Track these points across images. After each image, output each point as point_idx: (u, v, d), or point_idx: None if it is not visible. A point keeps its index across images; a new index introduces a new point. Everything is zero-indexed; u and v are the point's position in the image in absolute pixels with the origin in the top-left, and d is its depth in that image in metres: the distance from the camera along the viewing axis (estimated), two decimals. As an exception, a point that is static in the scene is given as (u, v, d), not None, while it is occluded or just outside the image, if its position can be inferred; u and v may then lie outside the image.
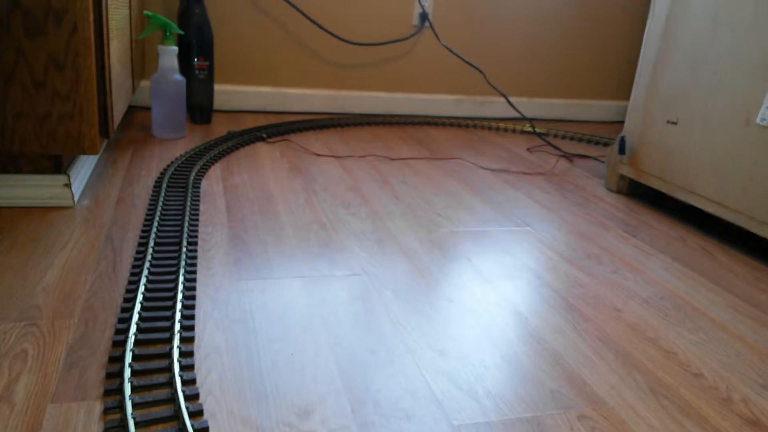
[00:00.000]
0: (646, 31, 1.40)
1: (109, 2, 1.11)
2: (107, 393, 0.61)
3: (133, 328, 0.70)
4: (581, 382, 0.71)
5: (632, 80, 2.43)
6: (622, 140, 1.44)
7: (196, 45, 1.67)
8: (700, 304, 0.95)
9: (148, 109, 1.87)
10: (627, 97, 2.46)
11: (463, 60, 2.13)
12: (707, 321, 0.90)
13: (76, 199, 1.08)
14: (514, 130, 2.09)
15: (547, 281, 0.97)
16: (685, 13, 1.29)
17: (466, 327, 0.81)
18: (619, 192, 1.48)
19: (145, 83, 1.87)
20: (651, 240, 1.20)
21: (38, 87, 1.00)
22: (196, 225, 1.04)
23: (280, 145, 1.62)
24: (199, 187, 1.22)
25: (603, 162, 1.75)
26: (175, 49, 1.49)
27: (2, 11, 0.95)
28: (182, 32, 1.57)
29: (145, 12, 1.46)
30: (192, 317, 0.75)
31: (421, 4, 2.05)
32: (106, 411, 0.59)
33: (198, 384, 0.64)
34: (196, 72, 1.68)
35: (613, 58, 2.39)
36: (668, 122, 1.32)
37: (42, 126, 1.01)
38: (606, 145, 1.99)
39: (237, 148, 1.54)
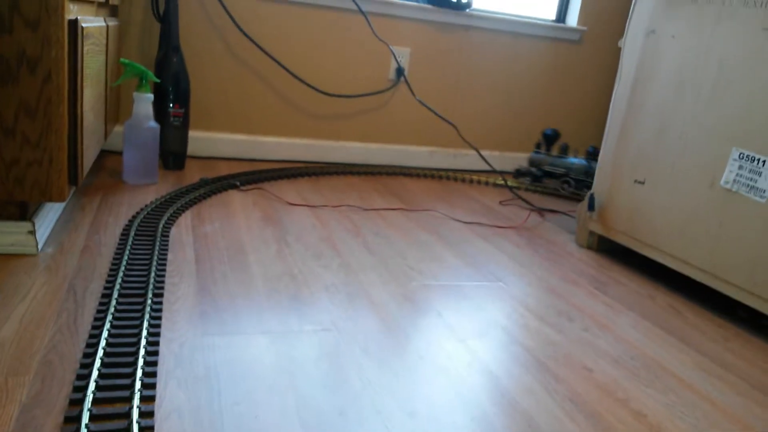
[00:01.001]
0: (613, 93, 1.45)
1: (85, 50, 1.11)
2: (59, 458, 0.58)
3: (91, 386, 0.67)
4: (552, 446, 0.70)
5: (602, 137, 2.51)
6: (592, 197, 1.47)
7: (173, 92, 1.67)
8: (669, 363, 0.95)
9: (120, 153, 1.86)
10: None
11: (436, 114, 2.17)
12: (676, 381, 0.90)
13: (40, 246, 1.05)
14: (487, 183, 2.12)
15: (519, 339, 0.97)
16: (651, 78, 1.34)
17: (436, 386, 0.80)
18: (589, 248, 1.50)
19: (118, 128, 1.86)
20: (620, 297, 1.21)
21: (7, 133, 0.98)
22: (163, 276, 1.02)
23: (253, 193, 1.62)
24: (168, 236, 1.20)
25: (573, 217, 1.77)
26: (151, 96, 1.49)
27: (-25, 57, 0.94)
28: (158, 80, 1.58)
29: (122, 60, 1.46)
30: (154, 375, 0.73)
31: (397, 60, 2.10)
32: (57, 478, 0.56)
33: (157, 448, 0.61)
34: (171, 119, 1.68)
35: (584, 114, 2.47)
36: (636, 182, 1.36)
37: (9, 172, 0.99)
38: (576, 200, 2.02)
39: (209, 196, 1.53)
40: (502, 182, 2.12)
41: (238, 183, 1.65)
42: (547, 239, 1.54)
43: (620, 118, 1.42)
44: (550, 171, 2.08)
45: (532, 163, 2.14)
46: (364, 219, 1.51)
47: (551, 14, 2.40)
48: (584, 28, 2.34)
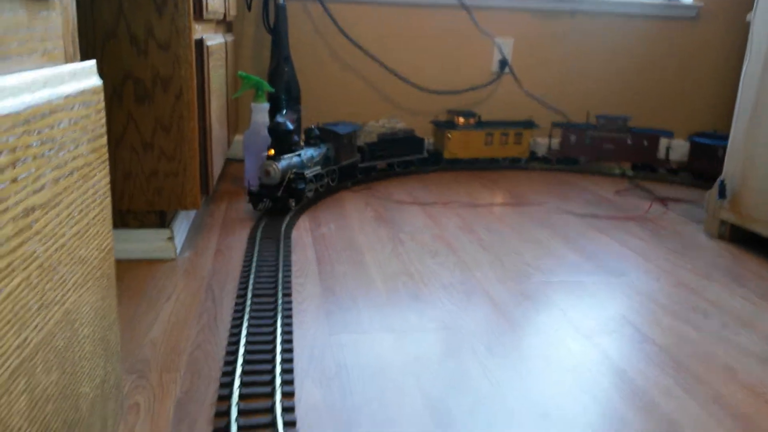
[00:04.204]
0: (743, 71, 1.34)
1: (210, 67, 1.19)
2: (215, 450, 0.62)
3: (236, 383, 0.71)
4: (699, 451, 0.67)
5: (725, 120, 2.32)
6: (722, 184, 1.37)
7: (285, 100, 1.74)
8: (825, 364, 0.87)
9: (241, 161, 1.96)
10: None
11: (545, 105, 2.11)
12: (836, 384, 0.82)
13: (177, 251, 1.14)
14: (599, 173, 2.03)
15: (650, 336, 0.92)
16: (787, 50, 1.23)
17: (566, 387, 0.78)
18: (720, 238, 1.40)
19: (238, 137, 1.96)
20: (761, 291, 1.12)
21: (146, 148, 1.07)
22: (289, 276, 1.06)
23: (363, 193, 1.65)
24: (290, 238, 1.25)
25: (700, 206, 1.66)
26: (267, 105, 1.56)
27: (117, 81, 1.03)
28: (273, 90, 1.65)
29: (240, 73, 1.54)
30: (291, 371, 0.76)
31: (501, 51, 2.06)
32: (214, 468, 0.60)
33: (300, 443, 0.64)
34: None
35: (704, 95, 2.30)
36: (774, 164, 1.25)
37: (149, 184, 1.08)
38: (700, 187, 1.89)
39: (323, 198, 1.58)
40: (618, 171, 2.02)
41: (349, 184, 1.69)
42: (672, 230, 1.46)
43: (752, 98, 1.31)
44: (316, 174, 1.51)
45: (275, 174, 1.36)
46: (475, 215, 1.50)
47: (664, -10, 2.26)
48: (701, 3, 2.18)
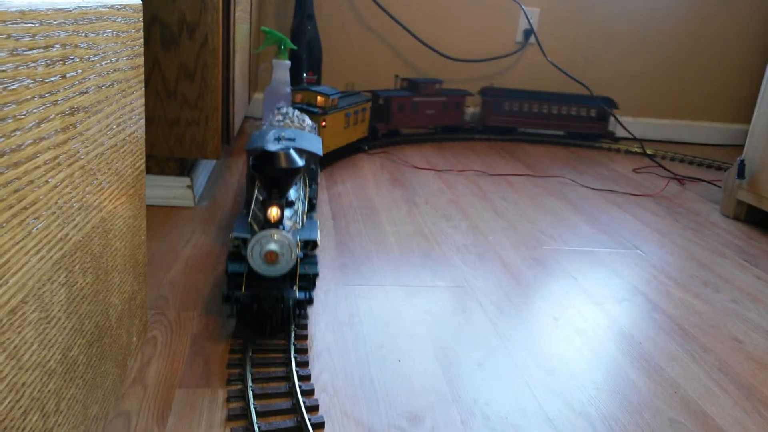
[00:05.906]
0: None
1: (236, 16, 1.19)
2: (230, 382, 0.64)
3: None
4: (702, 413, 0.68)
5: (751, 102, 2.29)
6: (742, 164, 1.36)
7: (306, 60, 1.74)
8: (833, 342, 0.88)
9: (259, 119, 1.97)
10: (743, 120, 2.31)
11: (569, 76, 2.09)
12: (843, 361, 0.83)
13: (196, 200, 1.15)
14: (618, 150, 2.02)
15: (660, 306, 0.93)
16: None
17: (574, 348, 0.79)
18: (736, 218, 1.40)
19: (257, 96, 1.96)
20: (774, 270, 1.12)
21: (170, 94, 1.07)
22: (305, 230, 1.07)
23: (380, 156, 1.65)
24: (306, 194, 1.26)
25: (718, 186, 1.65)
26: (289, 63, 1.56)
27: (144, 24, 1.03)
28: (296, 47, 1.64)
29: (263, 27, 1.54)
30: (305, 316, 0.78)
31: (528, 19, 2.04)
32: (229, 399, 0.62)
33: (312, 380, 0.66)
34: (305, 85, 1.75)
35: (730, 77, 2.27)
36: (797, 146, 1.23)
37: (171, 130, 1.09)
38: (720, 168, 1.88)
39: (339, 159, 1.58)
40: (637, 149, 2.01)
41: (365, 147, 1.69)
42: (688, 208, 1.45)
43: (780, 77, 1.29)
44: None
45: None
46: (490, 184, 1.50)
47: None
48: (735, -19, 2.14)
